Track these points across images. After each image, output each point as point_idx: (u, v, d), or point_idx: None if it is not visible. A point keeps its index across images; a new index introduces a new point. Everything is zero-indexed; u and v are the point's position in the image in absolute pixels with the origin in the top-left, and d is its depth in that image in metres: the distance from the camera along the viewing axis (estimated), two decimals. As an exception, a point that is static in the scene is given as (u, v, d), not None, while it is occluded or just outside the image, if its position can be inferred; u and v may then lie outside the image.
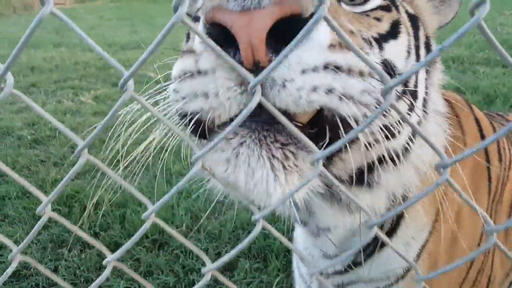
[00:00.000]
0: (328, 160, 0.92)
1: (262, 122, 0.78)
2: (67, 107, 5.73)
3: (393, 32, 1.02)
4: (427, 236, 1.29)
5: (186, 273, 2.93)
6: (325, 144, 0.78)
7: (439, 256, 1.30)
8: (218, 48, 0.54)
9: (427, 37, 1.16)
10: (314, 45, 0.73)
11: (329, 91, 0.74)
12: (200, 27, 0.76)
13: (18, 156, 4.29)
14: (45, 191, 3.59)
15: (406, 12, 1.11)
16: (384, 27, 1.00)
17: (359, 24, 0.95)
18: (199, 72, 0.77)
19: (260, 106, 0.62)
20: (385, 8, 1.03)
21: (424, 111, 1.10)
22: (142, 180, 3.84)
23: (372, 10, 0.99)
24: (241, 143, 0.78)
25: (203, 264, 3.02)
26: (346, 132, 0.75)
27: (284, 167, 0.77)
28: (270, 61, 0.69)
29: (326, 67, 0.74)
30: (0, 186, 3.76)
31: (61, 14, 0.45)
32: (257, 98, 0.56)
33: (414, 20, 1.12)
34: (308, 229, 1.30)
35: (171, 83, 0.88)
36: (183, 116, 0.83)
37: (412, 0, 1.17)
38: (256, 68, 0.69)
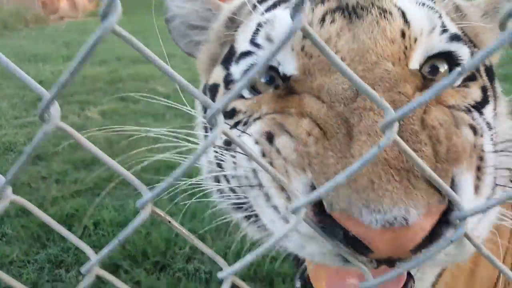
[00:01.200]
0: None
1: None
2: (72, 122, 5.66)
3: (485, 99, 0.97)
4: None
5: (188, 297, 2.81)
6: None
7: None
8: None
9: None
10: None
11: None
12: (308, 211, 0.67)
13: (19, 172, 4.20)
14: (45, 209, 3.50)
15: (485, 70, 1.04)
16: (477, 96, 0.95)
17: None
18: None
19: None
20: (471, 78, 0.96)
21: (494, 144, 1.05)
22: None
23: (459, 86, 0.94)
24: None
25: (206, 287, 2.86)
26: None
27: None
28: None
29: None
30: (-1, 203, 3.66)
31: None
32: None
33: (490, 73, 1.05)
34: None
35: None
36: None
37: (482, 40, 1.09)
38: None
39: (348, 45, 0.86)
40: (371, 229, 0.58)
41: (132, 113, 6.01)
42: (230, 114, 0.99)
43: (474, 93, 0.93)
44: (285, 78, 0.92)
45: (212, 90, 1.11)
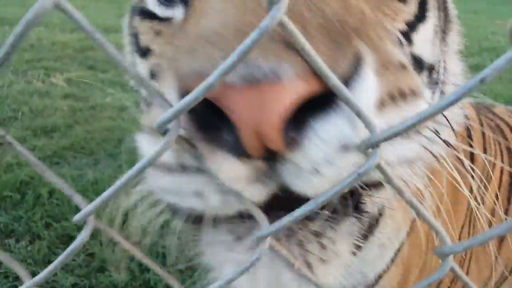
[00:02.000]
0: None
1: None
2: (36, 88, 5.44)
3: (421, 14, 0.82)
4: (404, 237, 1.11)
5: (142, 272, 2.72)
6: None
7: (412, 263, 1.16)
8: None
9: None
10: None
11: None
12: (167, 91, 0.53)
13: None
14: (-2, 176, 3.35)
15: None
16: (411, 10, 0.80)
17: (383, 16, 0.74)
18: (183, 167, 0.55)
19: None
20: None
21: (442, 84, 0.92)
22: (105, 169, 3.61)
23: None
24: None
25: (163, 263, 2.79)
26: None
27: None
28: (290, 144, 0.47)
29: None
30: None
31: None
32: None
33: None
34: None
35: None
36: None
37: None
38: (268, 154, 0.48)
39: None
40: (229, 85, 0.43)
41: (100, 81, 5.81)
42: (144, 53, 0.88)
43: (407, 9, 0.80)
44: None
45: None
